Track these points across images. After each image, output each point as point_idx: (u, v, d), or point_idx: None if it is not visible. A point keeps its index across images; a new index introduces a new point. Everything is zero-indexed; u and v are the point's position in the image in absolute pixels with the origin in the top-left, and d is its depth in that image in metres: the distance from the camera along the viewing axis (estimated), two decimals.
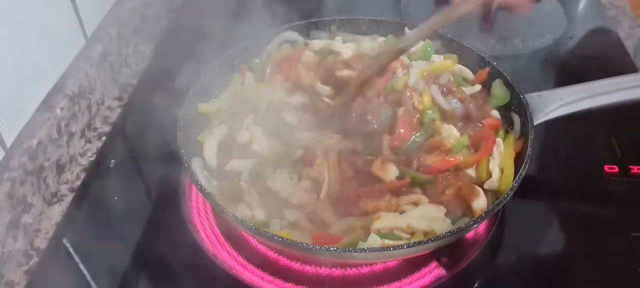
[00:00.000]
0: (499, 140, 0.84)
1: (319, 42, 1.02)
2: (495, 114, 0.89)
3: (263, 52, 1.01)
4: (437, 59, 0.98)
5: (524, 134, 0.82)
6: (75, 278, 0.77)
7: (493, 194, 0.78)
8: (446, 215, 0.74)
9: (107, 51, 1.07)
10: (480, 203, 0.75)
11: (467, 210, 0.75)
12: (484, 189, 0.77)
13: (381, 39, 1.03)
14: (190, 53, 1.15)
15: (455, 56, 0.98)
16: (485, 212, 0.70)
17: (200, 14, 1.13)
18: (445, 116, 0.88)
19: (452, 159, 0.81)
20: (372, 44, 1.02)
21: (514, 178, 0.75)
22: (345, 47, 0.99)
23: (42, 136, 0.85)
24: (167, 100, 1.02)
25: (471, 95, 0.91)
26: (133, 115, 1.05)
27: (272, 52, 1.01)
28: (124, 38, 1.15)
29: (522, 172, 0.74)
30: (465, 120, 0.88)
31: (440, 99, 0.89)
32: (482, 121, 0.88)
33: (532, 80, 1.06)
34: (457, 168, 0.81)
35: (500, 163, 0.81)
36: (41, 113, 0.89)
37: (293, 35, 1.03)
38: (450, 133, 0.84)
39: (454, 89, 0.90)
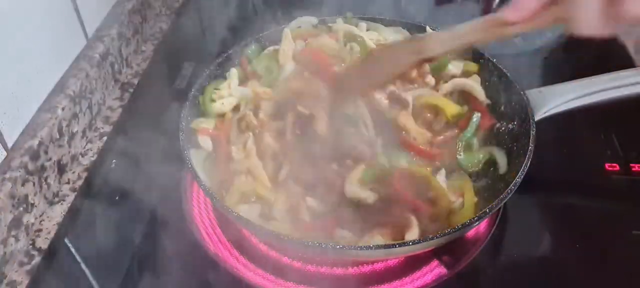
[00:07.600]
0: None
1: (343, 26, 0.98)
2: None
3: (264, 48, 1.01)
4: (453, 67, 0.93)
5: (525, 132, 0.82)
6: (77, 278, 0.77)
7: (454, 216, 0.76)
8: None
9: (108, 51, 1.07)
10: (411, 235, 0.71)
11: (398, 237, 0.72)
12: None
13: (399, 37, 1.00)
14: (190, 52, 1.16)
15: (475, 65, 0.94)
16: (490, 208, 0.69)
17: (200, 14, 1.14)
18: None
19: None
20: (395, 36, 1.00)
21: (513, 181, 0.73)
22: (368, 34, 0.97)
23: (44, 136, 0.85)
24: (168, 100, 1.02)
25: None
26: (134, 115, 1.05)
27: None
28: (125, 38, 1.15)
29: (525, 168, 0.73)
30: None
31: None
32: None
33: (532, 77, 1.06)
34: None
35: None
36: (42, 113, 0.89)
37: (311, 19, 1.01)
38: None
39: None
